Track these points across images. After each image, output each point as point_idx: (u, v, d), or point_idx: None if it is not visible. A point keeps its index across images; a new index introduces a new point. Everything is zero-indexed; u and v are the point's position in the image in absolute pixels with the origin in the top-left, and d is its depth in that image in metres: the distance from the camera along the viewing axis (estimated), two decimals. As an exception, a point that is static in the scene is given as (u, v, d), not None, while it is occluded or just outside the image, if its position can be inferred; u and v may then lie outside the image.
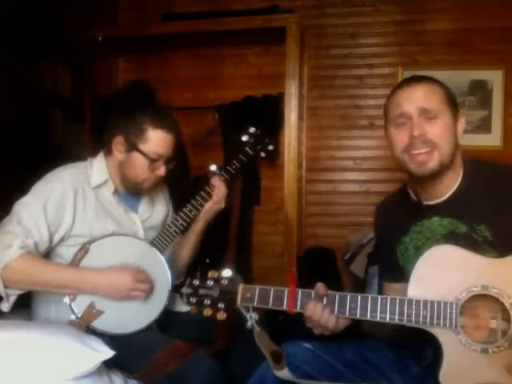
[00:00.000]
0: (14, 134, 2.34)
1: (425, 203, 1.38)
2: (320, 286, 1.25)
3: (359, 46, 3.02)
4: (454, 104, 1.35)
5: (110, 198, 1.69)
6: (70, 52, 2.69)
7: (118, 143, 1.65)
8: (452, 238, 1.29)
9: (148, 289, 1.59)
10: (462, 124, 1.36)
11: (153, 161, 1.64)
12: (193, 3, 3.10)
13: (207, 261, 1.38)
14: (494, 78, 2.85)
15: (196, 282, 1.34)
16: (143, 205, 1.79)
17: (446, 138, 1.30)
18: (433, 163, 1.28)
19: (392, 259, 1.43)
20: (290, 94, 2.73)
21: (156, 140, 1.63)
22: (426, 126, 1.29)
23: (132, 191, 1.73)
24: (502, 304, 1.16)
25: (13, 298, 1.48)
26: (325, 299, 1.24)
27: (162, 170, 1.67)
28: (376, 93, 2.96)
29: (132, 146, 1.63)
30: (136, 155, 1.63)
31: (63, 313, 1.56)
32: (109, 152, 1.70)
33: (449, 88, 1.36)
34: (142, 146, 1.62)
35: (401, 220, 1.42)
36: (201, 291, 1.32)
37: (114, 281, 1.54)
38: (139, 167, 1.64)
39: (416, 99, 1.30)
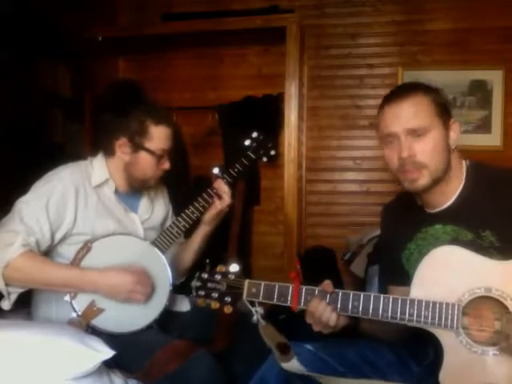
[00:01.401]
0: (15, 133, 2.34)
1: (427, 211, 1.38)
2: (327, 284, 1.26)
3: (359, 46, 3.02)
4: (445, 112, 1.31)
5: (112, 197, 1.70)
6: (70, 52, 2.68)
7: (122, 145, 1.66)
8: (457, 244, 1.26)
9: (148, 293, 1.59)
10: (455, 130, 1.33)
11: (159, 157, 1.66)
12: (193, 3, 3.11)
13: (207, 261, 1.38)
14: (494, 77, 2.85)
15: (205, 276, 1.37)
16: (143, 205, 1.79)
17: (436, 154, 1.28)
18: (424, 180, 1.28)
19: (397, 263, 1.42)
20: (290, 94, 2.72)
21: (160, 136, 1.65)
22: (415, 144, 1.27)
23: (137, 189, 1.75)
24: (505, 307, 1.16)
25: (14, 296, 1.49)
26: (328, 296, 1.25)
27: (167, 164, 1.70)
28: (376, 93, 2.96)
29: (138, 146, 1.64)
30: (143, 154, 1.65)
31: (64, 311, 1.56)
32: (111, 154, 1.70)
33: (439, 94, 1.32)
34: (148, 145, 1.64)
35: (406, 225, 1.41)
36: (209, 284, 1.36)
37: (114, 281, 1.54)
38: (147, 165, 1.66)
39: (403, 119, 1.27)
